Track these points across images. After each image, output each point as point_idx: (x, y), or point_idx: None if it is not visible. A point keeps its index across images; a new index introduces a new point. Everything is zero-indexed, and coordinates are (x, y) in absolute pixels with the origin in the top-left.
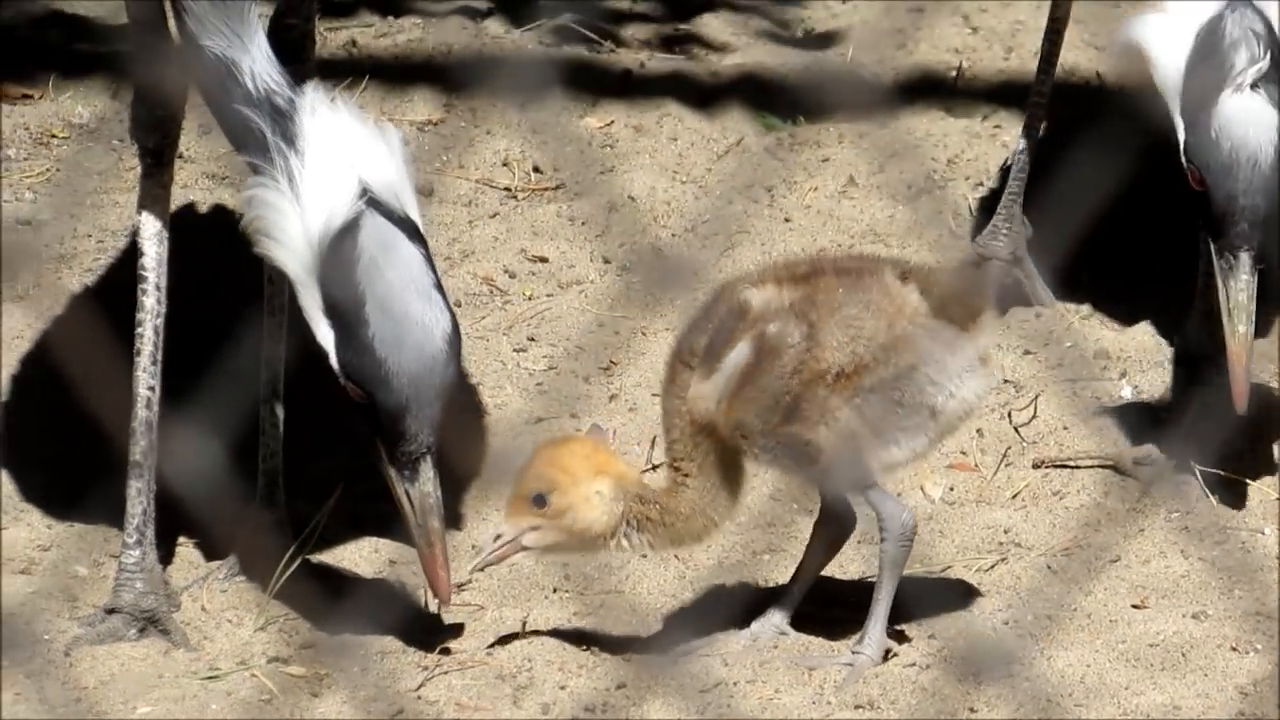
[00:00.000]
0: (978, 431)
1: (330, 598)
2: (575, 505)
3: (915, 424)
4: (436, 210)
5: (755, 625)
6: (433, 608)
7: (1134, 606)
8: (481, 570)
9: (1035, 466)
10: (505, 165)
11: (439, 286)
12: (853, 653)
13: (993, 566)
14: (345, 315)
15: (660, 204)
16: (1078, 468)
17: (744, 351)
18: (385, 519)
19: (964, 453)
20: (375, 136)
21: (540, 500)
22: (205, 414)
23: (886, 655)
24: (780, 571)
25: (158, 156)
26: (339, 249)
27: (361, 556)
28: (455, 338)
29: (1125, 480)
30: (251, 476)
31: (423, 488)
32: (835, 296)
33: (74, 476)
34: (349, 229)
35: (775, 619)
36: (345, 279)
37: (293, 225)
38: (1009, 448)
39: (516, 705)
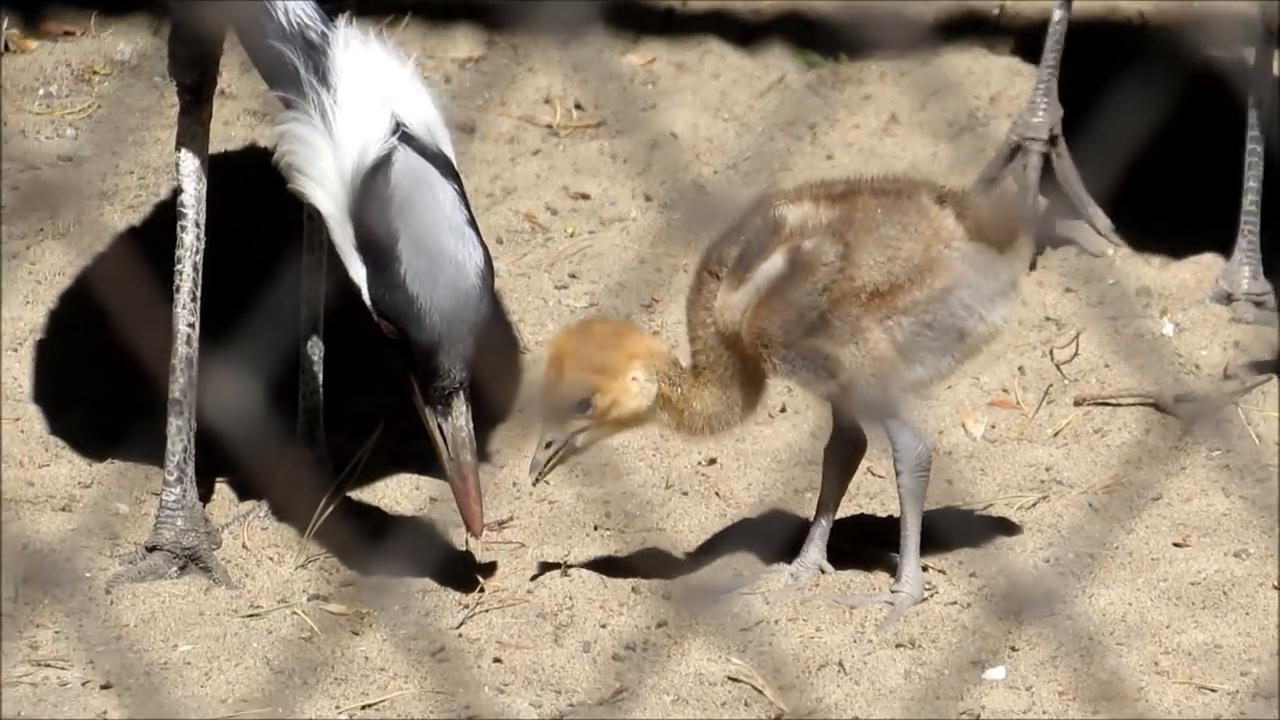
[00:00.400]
0: (1019, 369)
1: (371, 536)
2: (618, 398)
3: (942, 345)
4: (478, 147)
5: (794, 565)
6: (470, 544)
7: (1175, 545)
8: (542, 478)
9: (1077, 404)
10: (547, 102)
11: (472, 223)
12: (893, 591)
13: (1034, 504)
14: (378, 251)
15: (702, 141)
16: (1119, 405)
17: (777, 263)
18: (426, 457)
19: (1006, 390)
20: (409, 72)
21: (584, 405)
22: (245, 351)
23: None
24: None
25: (196, 93)
26: (372, 185)
27: (402, 494)
28: (488, 274)
29: (1166, 418)
30: (292, 414)
31: (455, 422)
32: (873, 216)
33: (114, 414)
34: (382, 165)
35: (812, 557)
36: (378, 215)
37: (325, 161)
38: (1050, 385)
39: (557, 643)
